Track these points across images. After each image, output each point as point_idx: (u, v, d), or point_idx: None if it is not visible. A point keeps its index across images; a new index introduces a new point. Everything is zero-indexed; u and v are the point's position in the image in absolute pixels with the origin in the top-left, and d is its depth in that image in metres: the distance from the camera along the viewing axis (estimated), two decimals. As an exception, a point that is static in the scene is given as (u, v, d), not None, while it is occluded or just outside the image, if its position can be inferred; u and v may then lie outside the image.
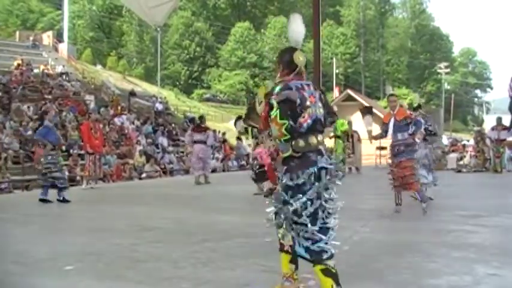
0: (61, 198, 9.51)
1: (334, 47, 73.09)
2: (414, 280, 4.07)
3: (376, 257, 4.84)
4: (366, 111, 8.21)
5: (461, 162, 19.26)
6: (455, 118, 72.46)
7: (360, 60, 76.90)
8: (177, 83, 68.59)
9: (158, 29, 27.90)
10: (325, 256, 3.36)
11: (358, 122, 14.43)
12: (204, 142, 13.68)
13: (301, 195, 3.29)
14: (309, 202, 3.29)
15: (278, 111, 3.30)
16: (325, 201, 3.32)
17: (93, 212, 8.43)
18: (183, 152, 24.17)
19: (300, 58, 3.47)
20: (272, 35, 72.68)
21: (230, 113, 51.39)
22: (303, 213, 3.29)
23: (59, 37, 45.83)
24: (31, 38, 40.52)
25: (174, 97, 50.64)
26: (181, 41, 69.45)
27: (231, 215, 7.98)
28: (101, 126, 14.00)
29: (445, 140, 25.89)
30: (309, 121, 3.33)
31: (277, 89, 3.37)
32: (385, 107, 54.47)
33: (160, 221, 7.30)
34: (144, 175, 18.95)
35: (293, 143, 3.34)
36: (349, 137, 17.23)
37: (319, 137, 3.41)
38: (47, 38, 43.59)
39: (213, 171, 22.50)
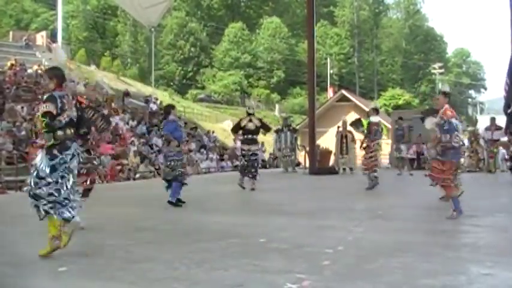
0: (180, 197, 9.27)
1: (328, 48, 73.11)
2: (408, 280, 4.07)
3: (369, 257, 4.84)
4: (429, 113, 8.21)
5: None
6: (449, 118, 72.57)
7: (354, 60, 76.96)
8: (172, 84, 68.48)
9: (152, 29, 27.91)
10: (67, 216, 4.96)
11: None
12: None
13: (55, 172, 4.88)
14: (60, 179, 4.91)
15: (42, 112, 4.84)
16: (73, 176, 5.02)
17: (86, 212, 8.38)
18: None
19: (65, 76, 5.22)
20: (266, 35, 72.72)
21: (224, 114, 51.41)
22: (57, 186, 4.90)
23: (52, 37, 45.63)
24: (24, 38, 40.35)
25: (168, 97, 50.55)
26: (176, 41, 69.35)
27: (224, 215, 7.97)
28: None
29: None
30: (67, 119, 4.96)
31: (45, 97, 4.99)
32: (380, 107, 54.49)
33: (154, 221, 7.29)
34: (137, 175, 18.90)
35: (54, 134, 4.86)
36: (343, 137, 17.28)
37: (72, 130, 5.04)
38: (41, 38, 43.42)
39: (207, 171, 22.55)
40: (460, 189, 8.27)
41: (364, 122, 13.30)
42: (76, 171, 5.19)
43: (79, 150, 5.17)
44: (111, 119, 25.64)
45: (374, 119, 11.34)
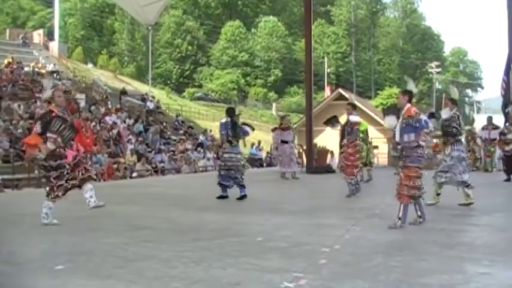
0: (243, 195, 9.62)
1: (325, 46, 73.23)
2: (405, 279, 4.08)
3: (367, 255, 4.85)
4: (390, 111, 7.46)
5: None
6: (446, 117, 72.75)
7: (352, 59, 77.10)
8: (169, 82, 68.50)
9: (150, 27, 27.87)
10: None
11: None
12: (287, 141, 15.04)
13: None
14: None
15: None
16: None
17: (83, 211, 8.39)
18: (174, 151, 24.12)
19: None
20: (263, 34, 72.75)
21: (221, 112, 51.29)
22: None
23: (49, 35, 45.62)
24: (21, 36, 40.29)
25: (165, 96, 50.53)
26: (173, 39, 69.39)
27: (223, 214, 7.97)
28: (91, 124, 13.89)
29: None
30: None
31: None
32: (377, 106, 54.53)
33: (152, 220, 7.28)
34: (134, 174, 18.87)
35: None
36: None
37: None
38: (38, 36, 43.39)
39: (204, 170, 22.54)
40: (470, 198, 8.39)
41: (362, 127, 12.22)
42: None
43: None
44: (107, 117, 25.63)
45: (353, 118, 10.27)
